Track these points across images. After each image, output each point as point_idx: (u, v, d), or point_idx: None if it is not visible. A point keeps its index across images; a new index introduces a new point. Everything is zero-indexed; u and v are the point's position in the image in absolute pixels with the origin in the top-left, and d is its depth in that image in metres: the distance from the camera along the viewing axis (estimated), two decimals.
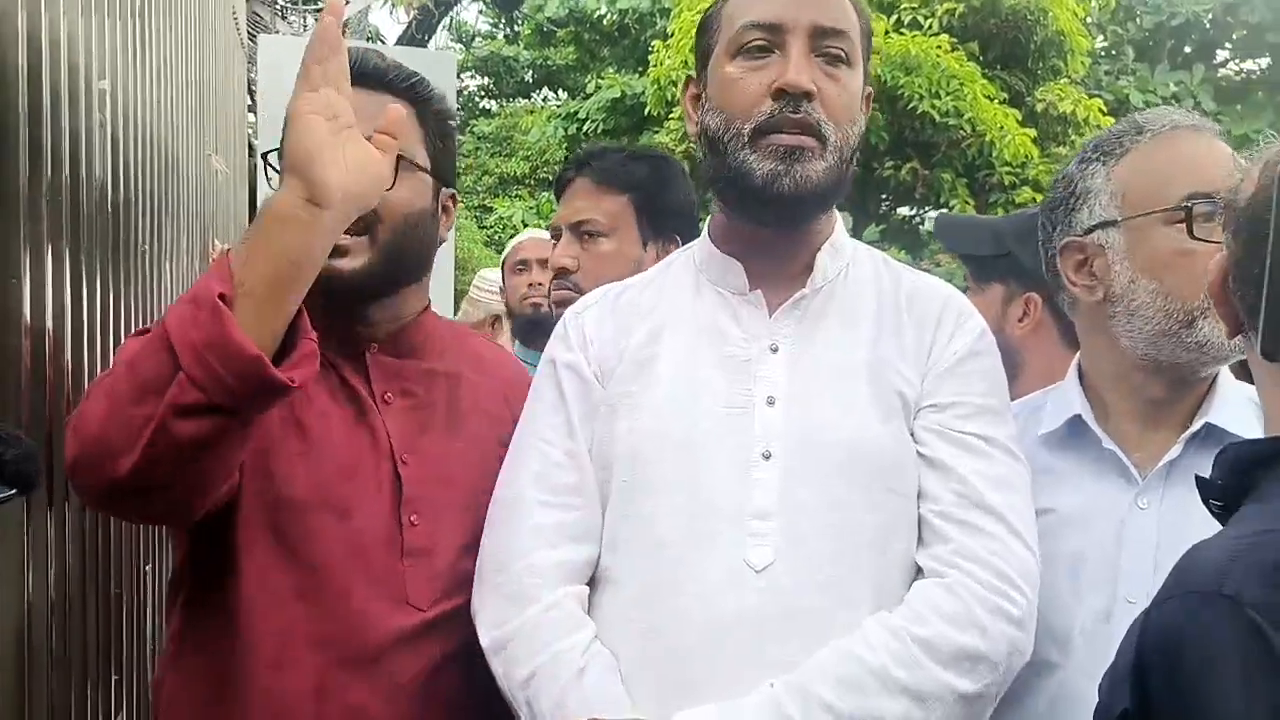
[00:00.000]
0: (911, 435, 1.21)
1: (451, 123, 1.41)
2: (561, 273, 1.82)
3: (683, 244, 1.87)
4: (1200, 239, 1.21)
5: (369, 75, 1.31)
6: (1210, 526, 1.18)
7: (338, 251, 1.24)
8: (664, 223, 1.87)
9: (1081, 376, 1.34)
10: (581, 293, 1.75)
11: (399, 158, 1.26)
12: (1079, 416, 1.29)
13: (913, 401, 1.22)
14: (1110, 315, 1.27)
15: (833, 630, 1.13)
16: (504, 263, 3.05)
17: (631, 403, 1.24)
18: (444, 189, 1.40)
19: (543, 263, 2.92)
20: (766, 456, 1.18)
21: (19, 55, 1.37)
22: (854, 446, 1.18)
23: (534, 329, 2.33)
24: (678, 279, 1.33)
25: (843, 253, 1.30)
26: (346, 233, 1.23)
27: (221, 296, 0.99)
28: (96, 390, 1.05)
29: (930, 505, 1.19)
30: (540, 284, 2.88)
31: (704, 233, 1.34)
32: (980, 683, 1.10)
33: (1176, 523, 1.21)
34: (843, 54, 1.21)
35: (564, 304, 1.77)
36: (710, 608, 1.14)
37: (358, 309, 1.32)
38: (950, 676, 1.09)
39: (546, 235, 3.14)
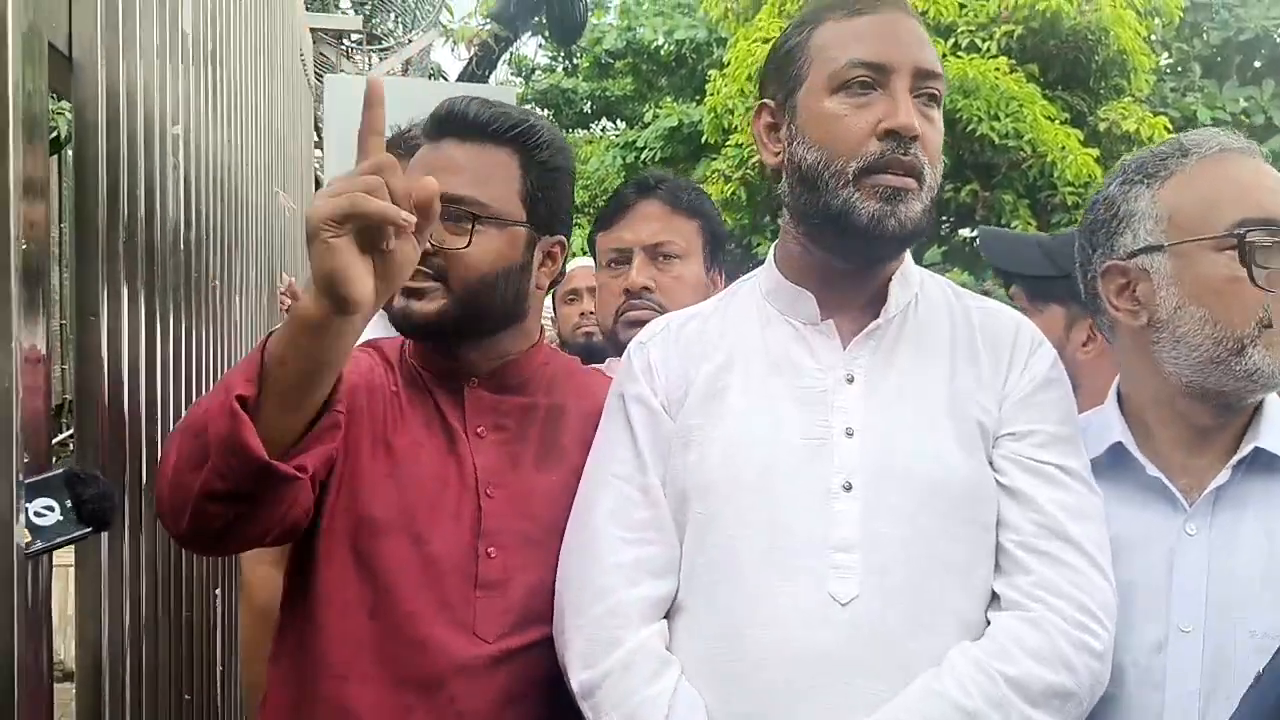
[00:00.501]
0: (990, 464, 1.21)
1: (559, 170, 1.38)
2: (642, 292, 1.81)
3: (723, 274, 1.89)
4: (1253, 266, 1.19)
5: (470, 125, 1.32)
6: (1260, 552, 1.17)
7: (414, 294, 1.29)
8: (718, 251, 1.89)
9: (1121, 401, 1.33)
10: (664, 313, 1.78)
11: (474, 216, 1.29)
12: (1121, 443, 1.28)
13: (991, 430, 1.22)
14: (1154, 341, 1.25)
15: (917, 662, 1.12)
16: (554, 293, 3.09)
17: (704, 435, 1.24)
18: (547, 237, 1.39)
19: (593, 290, 2.95)
20: (847, 488, 1.18)
21: (99, 103, 1.45)
22: (934, 477, 1.18)
23: (589, 359, 2.32)
24: (743, 309, 1.33)
25: (912, 281, 1.30)
26: (422, 277, 1.28)
27: (242, 398, 1.05)
28: (170, 443, 1.14)
29: (1010, 535, 1.18)
30: (594, 313, 2.93)
31: (769, 262, 1.34)
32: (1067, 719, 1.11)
33: (1226, 548, 1.20)
34: (936, 95, 1.23)
35: (641, 324, 1.77)
36: (795, 642, 1.14)
37: (449, 348, 1.36)
38: (1041, 715, 1.09)
39: (591, 262, 3.17)
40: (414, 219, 1.01)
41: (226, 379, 1.09)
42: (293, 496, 1.15)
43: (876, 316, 1.26)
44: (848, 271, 1.26)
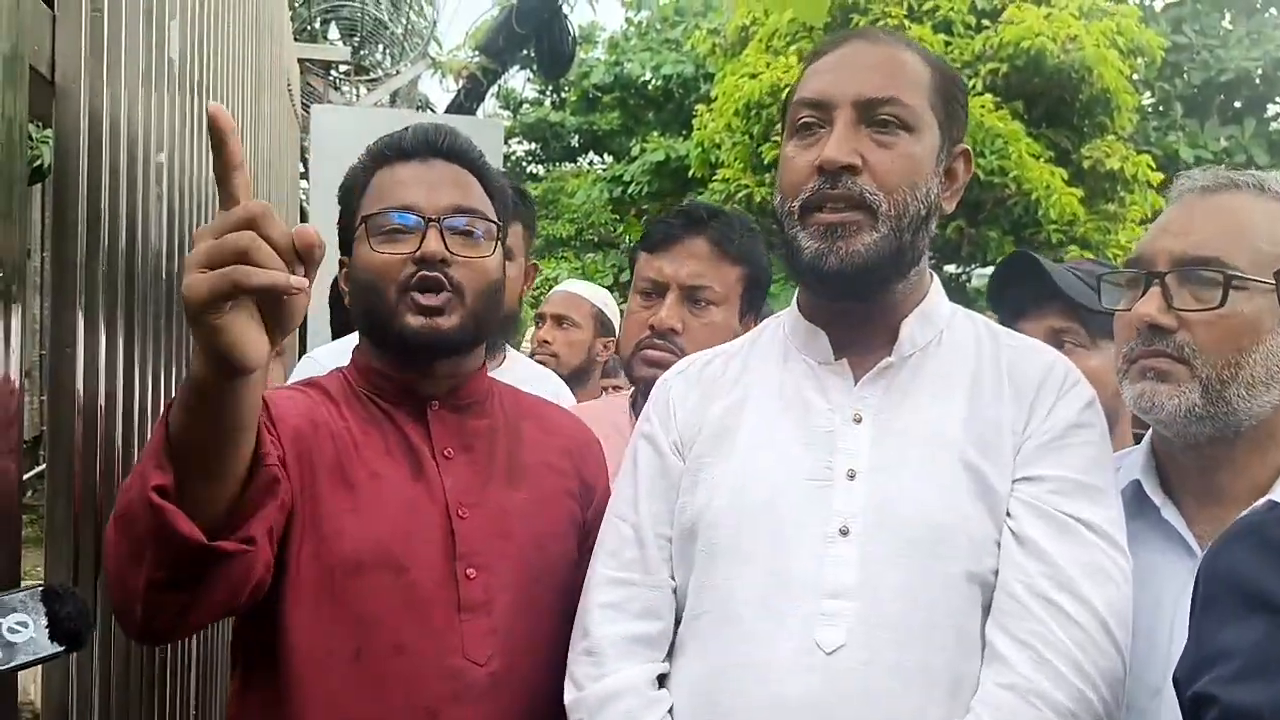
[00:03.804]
0: (1008, 514, 1.14)
1: (510, 199, 1.45)
2: (668, 333, 1.73)
3: (757, 321, 1.84)
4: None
5: (456, 150, 1.37)
6: None
7: (433, 311, 1.28)
8: (757, 299, 1.82)
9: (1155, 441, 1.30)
10: (682, 357, 1.73)
11: (498, 226, 1.35)
12: (1140, 481, 1.25)
13: (1006, 478, 1.16)
14: None
15: (901, 716, 1.08)
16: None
17: (711, 473, 1.22)
18: (506, 261, 1.44)
19: (557, 320, 2.93)
20: (844, 533, 1.14)
21: (80, 131, 1.41)
22: (937, 525, 1.12)
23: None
24: (766, 348, 1.32)
25: (936, 320, 1.25)
26: (440, 292, 1.29)
27: (159, 488, 0.97)
28: (106, 539, 1.06)
29: (1015, 577, 1.11)
30: (547, 342, 2.88)
31: (793, 301, 1.33)
32: None
33: None
34: (895, 119, 1.18)
35: (659, 365, 1.70)
36: (776, 688, 1.10)
37: (429, 365, 1.34)
38: None
39: (582, 290, 3.13)
40: (304, 283, 0.88)
41: (140, 464, 1.01)
42: (247, 565, 1.08)
43: (891, 355, 1.22)
44: (853, 309, 1.23)
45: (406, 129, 1.39)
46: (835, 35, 1.27)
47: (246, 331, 0.89)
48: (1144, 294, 1.20)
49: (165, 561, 1.00)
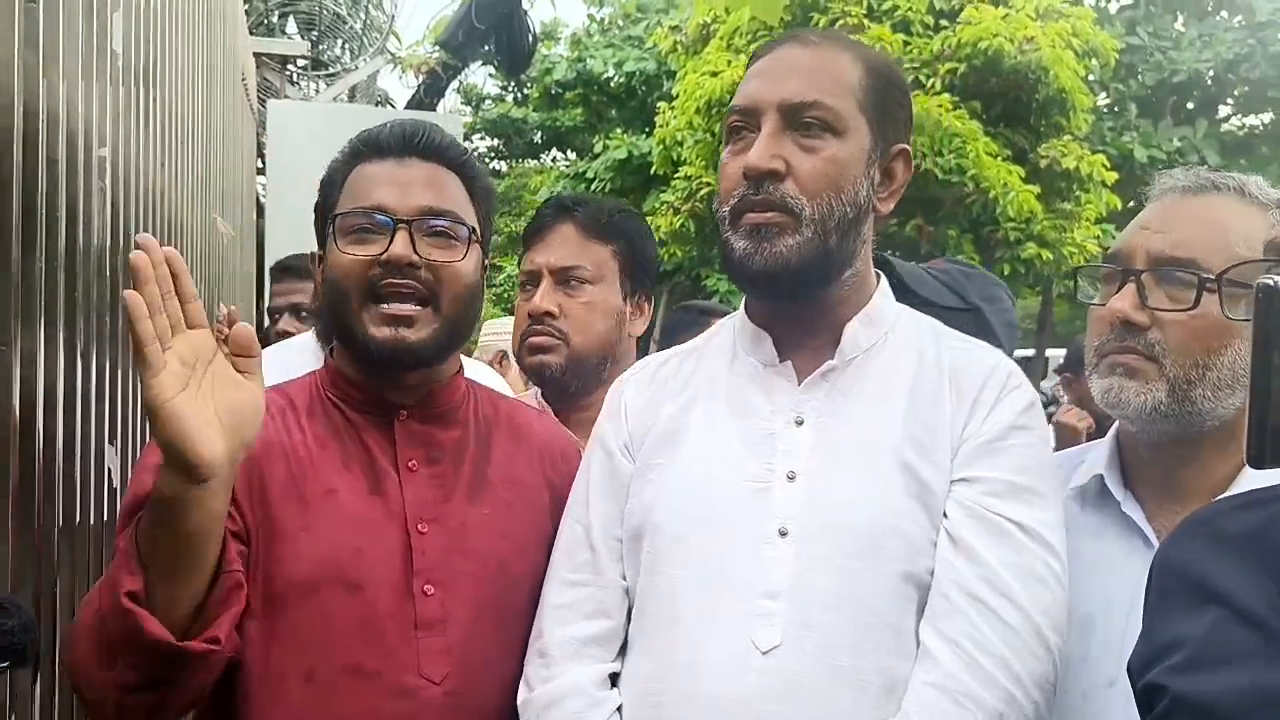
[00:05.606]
0: (944, 515, 1.15)
1: (493, 197, 1.42)
2: (546, 317, 1.75)
3: (649, 298, 1.86)
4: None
5: (435, 148, 1.33)
6: None
7: (403, 322, 1.25)
8: (642, 276, 1.85)
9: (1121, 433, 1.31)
10: (566, 340, 1.74)
11: (470, 229, 1.30)
12: (1103, 475, 1.27)
13: (945, 480, 1.16)
14: None
15: (834, 716, 1.08)
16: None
17: (658, 474, 1.23)
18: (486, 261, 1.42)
19: None
20: (782, 534, 1.14)
21: (15, 124, 1.38)
22: (873, 527, 1.12)
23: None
24: (718, 349, 1.31)
25: (880, 323, 1.25)
26: (410, 303, 1.25)
27: (132, 594, 1.02)
28: (72, 643, 1.10)
29: (951, 576, 1.12)
30: None
31: (743, 302, 1.32)
32: None
33: None
34: (819, 123, 1.18)
35: (541, 350, 1.75)
36: (713, 688, 1.11)
37: (398, 375, 1.30)
38: None
39: None
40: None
41: (111, 574, 1.06)
42: (212, 666, 1.10)
43: (834, 358, 1.22)
44: (793, 310, 1.24)
45: (386, 124, 1.34)
46: (774, 39, 1.28)
47: (200, 424, 0.99)
48: (1119, 290, 1.22)
49: (136, 664, 1.03)
